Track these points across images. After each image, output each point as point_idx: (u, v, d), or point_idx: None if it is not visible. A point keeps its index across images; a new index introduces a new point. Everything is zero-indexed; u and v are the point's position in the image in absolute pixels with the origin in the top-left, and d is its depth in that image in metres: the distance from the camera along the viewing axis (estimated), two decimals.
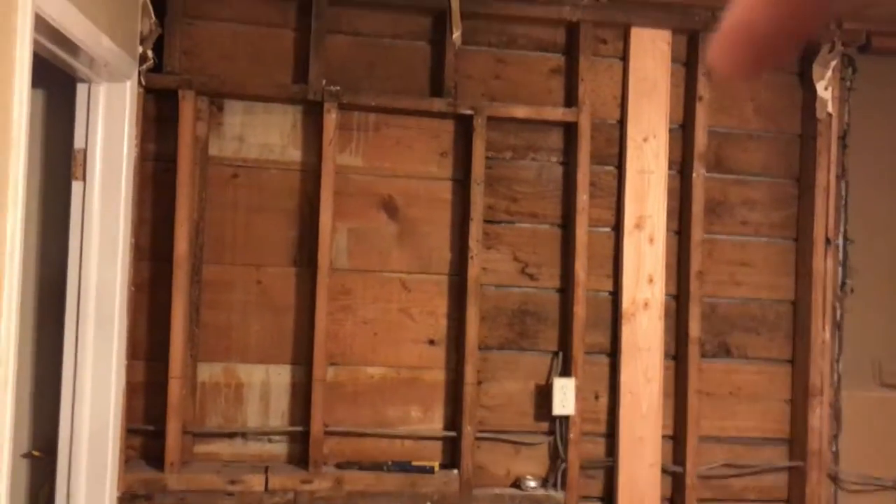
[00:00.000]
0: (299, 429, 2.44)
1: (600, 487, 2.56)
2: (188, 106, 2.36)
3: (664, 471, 2.55)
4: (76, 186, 2.20)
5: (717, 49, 0.19)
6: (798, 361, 2.64)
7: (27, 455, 2.28)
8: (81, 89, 2.21)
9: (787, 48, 0.19)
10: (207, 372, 2.43)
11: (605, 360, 2.59)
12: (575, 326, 2.51)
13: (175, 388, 2.33)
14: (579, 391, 2.50)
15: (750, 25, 0.18)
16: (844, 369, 2.67)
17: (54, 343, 2.24)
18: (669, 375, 2.60)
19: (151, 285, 2.40)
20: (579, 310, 2.51)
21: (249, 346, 2.46)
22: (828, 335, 2.60)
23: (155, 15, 2.34)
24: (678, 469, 2.56)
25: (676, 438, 2.59)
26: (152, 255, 2.40)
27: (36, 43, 1.56)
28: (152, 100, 2.40)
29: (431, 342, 2.54)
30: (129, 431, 2.36)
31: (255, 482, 2.35)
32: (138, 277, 2.37)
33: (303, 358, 2.46)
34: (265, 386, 2.46)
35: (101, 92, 2.19)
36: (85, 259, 2.20)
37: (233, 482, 2.34)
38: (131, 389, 2.36)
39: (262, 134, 2.47)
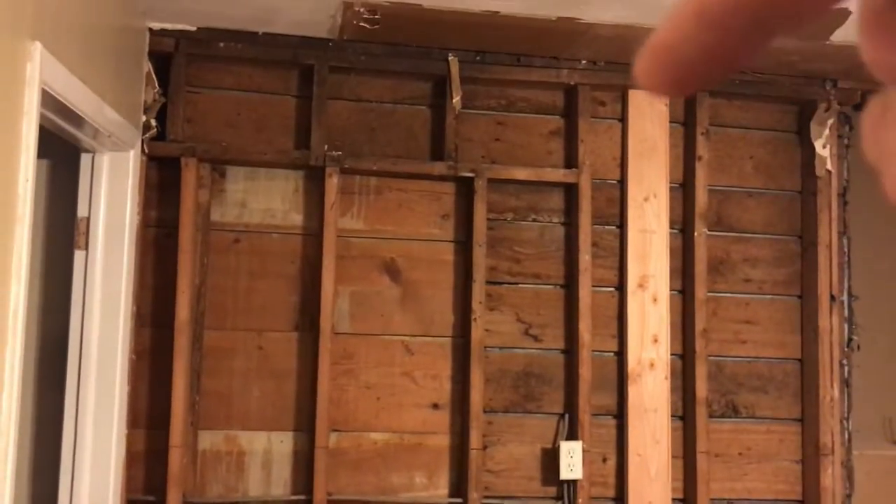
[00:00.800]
0: (302, 497, 2.39)
1: None
2: (190, 173, 2.38)
3: None
4: (78, 255, 2.20)
5: (642, 67, 0.19)
6: (807, 420, 2.61)
7: None
8: (85, 159, 2.23)
9: (711, 73, 0.18)
10: (208, 440, 2.40)
11: (611, 421, 2.55)
12: (580, 388, 2.48)
13: (175, 457, 2.29)
14: (587, 454, 2.46)
15: (673, 48, 0.18)
16: (855, 427, 2.63)
17: (54, 411, 2.21)
18: (677, 436, 2.56)
19: (152, 352, 2.38)
20: (584, 371, 2.49)
21: (251, 413, 2.42)
22: (836, 393, 2.58)
23: (158, 84, 2.38)
24: None
25: (687, 501, 2.54)
26: (153, 321, 2.39)
27: (41, 116, 1.58)
28: (155, 167, 2.42)
29: (435, 406, 2.51)
30: (130, 502, 2.31)
31: None
32: (139, 345, 2.36)
33: (305, 424, 2.42)
34: (267, 454, 2.42)
35: (105, 161, 2.20)
36: (86, 327, 2.19)
37: None
38: (131, 458, 2.32)
39: (265, 199, 2.48)
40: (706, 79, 0.18)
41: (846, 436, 2.62)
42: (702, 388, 2.53)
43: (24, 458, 2.23)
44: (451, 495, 2.47)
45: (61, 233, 2.29)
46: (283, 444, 2.42)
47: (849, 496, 2.61)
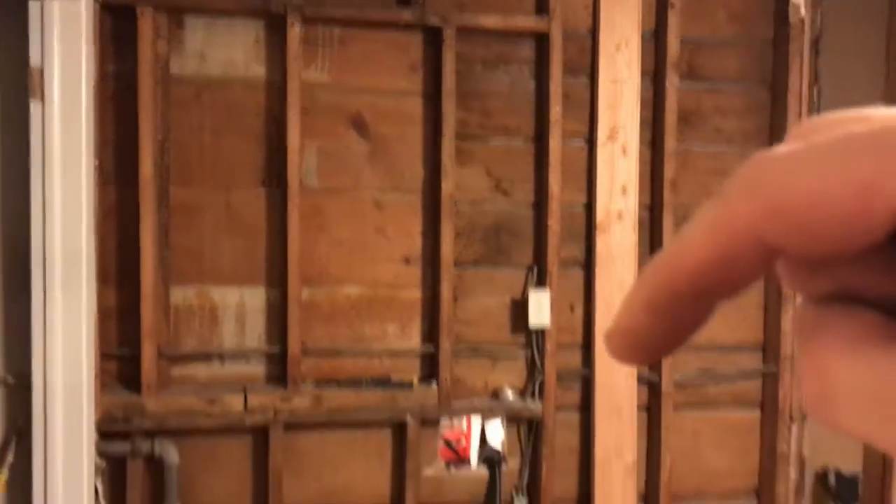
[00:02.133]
0: (276, 349, 2.43)
1: (577, 397, 2.59)
2: (146, 23, 2.28)
3: (640, 380, 2.58)
4: (34, 107, 2.13)
5: (610, 346, 0.22)
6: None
7: (1, 382, 2.26)
8: (34, 7, 2.12)
9: (666, 350, 0.22)
10: (180, 295, 2.41)
11: (579, 272, 2.59)
12: (549, 240, 2.51)
13: (148, 312, 2.31)
14: (555, 303, 2.51)
15: (632, 332, 0.21)
16: None
17: (22, 269, 2.20)
18: None
19: (118, 210, 2.35)
20: (553, 223, 2.50)
21: (222, 269, 2.43)
22: None
23: None
24: (654, 378, 2.59)
25: None
26: (117, 178, 2.35)
27: None
28: (109, 18, 2.32)
29: (407, 261, 2.53)
30: (104, 356, 2.34)
31: (235, 402, 2.35)
32: (104, 202, 2.33)
33: (277, 279, 2.44)
34: (240, 308, 2.44)
35: (55, 8, 2.11)
36: (48, 182, 2.15)
37: (212, 402, 2.34)
38: (103, 314, 2.33)
39: (225, 50, 2.40)
40: (666, 351, 0.22)
41: None
42: (668, 238, 2.56)
43: None
44: (424, 344, 2.52)
45: (16, 87, 2.21)
46: (255, 298, 2.44)
47: None
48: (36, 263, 2.17)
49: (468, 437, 3.51)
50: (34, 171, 2.15)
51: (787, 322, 2.62)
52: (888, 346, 0.19)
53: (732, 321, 2.67)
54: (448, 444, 3.25)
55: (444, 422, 2.62)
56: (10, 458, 2.18)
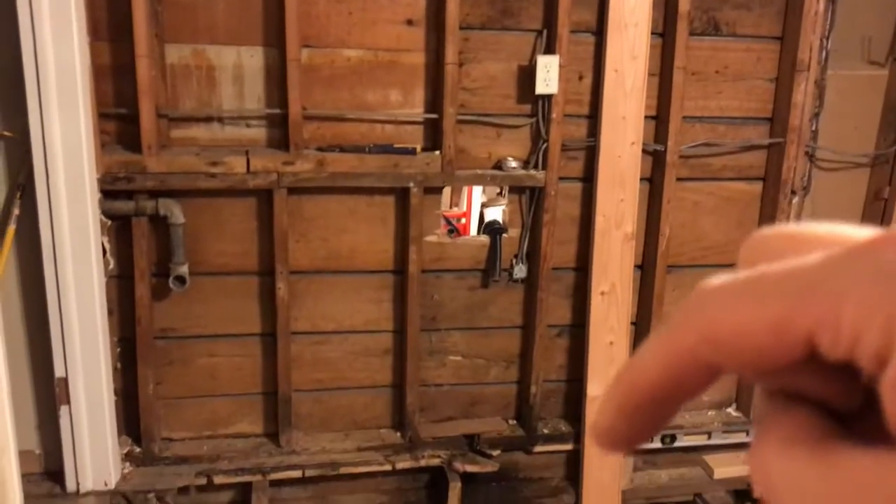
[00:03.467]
0: (277, 111, 2.38)
1: (581, 168, 2.58)
2: None
3: (645, 150, 2.56)
4: None
5: (593, 440, 0.25)
6: (788, 38, 2.56)
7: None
8: None
9: (641, 442, 0.25)
10: (176, 54, 2.32)
11: (590, 38, 2.49)
12: (560, 1, 2.39)
13: (143, 68, 2.23)
14: (563, 71, 2.43)
15: (609, 432, 0.25)
16: (833, 47, 2.61)
17: (9, 21, 2.10)
18: (656, 55, 2.53)
19: None
20: None
21: (218, 27, 2.32)
22: (821, 7, 2.51)
23: None
24: (659, 148, 2.57)
25: (659, 118, 2.57)
26: None
27: None
28: None
29: (409, 22, 2.42)
30: (102, 116, 2.29)
31: (237, 164, 2.33)
32: None
33: (275, 40, 2.34)
34: (238, 69, 2.36)
35: None
36: None
37: (214, 164, 2.32)
38: (98, 72, 2.26)
39: None
40: (641, 443, 0.25)
41: (823, 55, 2.60)
42: (684, 2, 2.44)
43: None
44: (427, 112, 2.47)
45: None
46: (253, 58, 2.36)
47: (817, 114, 2.66)
48: (23, 12, 2.07)
49: (468, 215, 3.55)
50: None
51: (799, 93, 2.56)
52: (816, 446, 0.21)
53: (741, 93, 2.61)
54: (448, 221, 3.29)
55: (446, 191, 2.63)
56: (15, 211, 2.19)
